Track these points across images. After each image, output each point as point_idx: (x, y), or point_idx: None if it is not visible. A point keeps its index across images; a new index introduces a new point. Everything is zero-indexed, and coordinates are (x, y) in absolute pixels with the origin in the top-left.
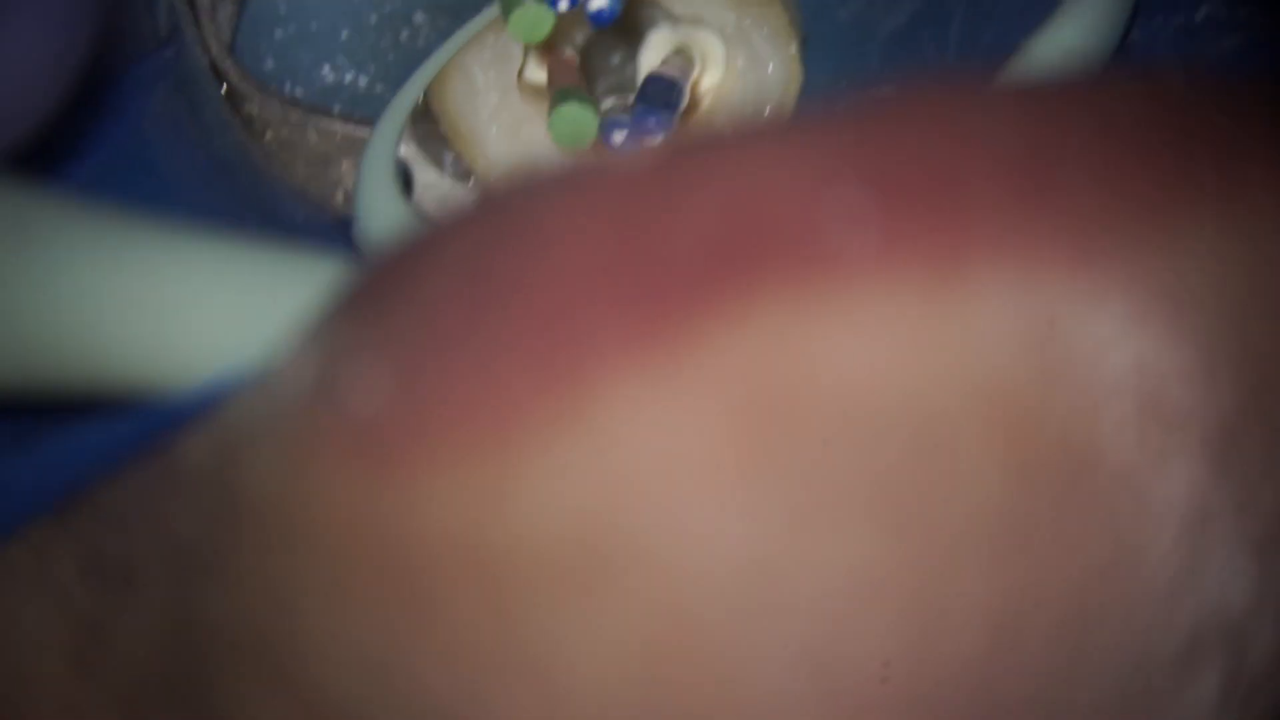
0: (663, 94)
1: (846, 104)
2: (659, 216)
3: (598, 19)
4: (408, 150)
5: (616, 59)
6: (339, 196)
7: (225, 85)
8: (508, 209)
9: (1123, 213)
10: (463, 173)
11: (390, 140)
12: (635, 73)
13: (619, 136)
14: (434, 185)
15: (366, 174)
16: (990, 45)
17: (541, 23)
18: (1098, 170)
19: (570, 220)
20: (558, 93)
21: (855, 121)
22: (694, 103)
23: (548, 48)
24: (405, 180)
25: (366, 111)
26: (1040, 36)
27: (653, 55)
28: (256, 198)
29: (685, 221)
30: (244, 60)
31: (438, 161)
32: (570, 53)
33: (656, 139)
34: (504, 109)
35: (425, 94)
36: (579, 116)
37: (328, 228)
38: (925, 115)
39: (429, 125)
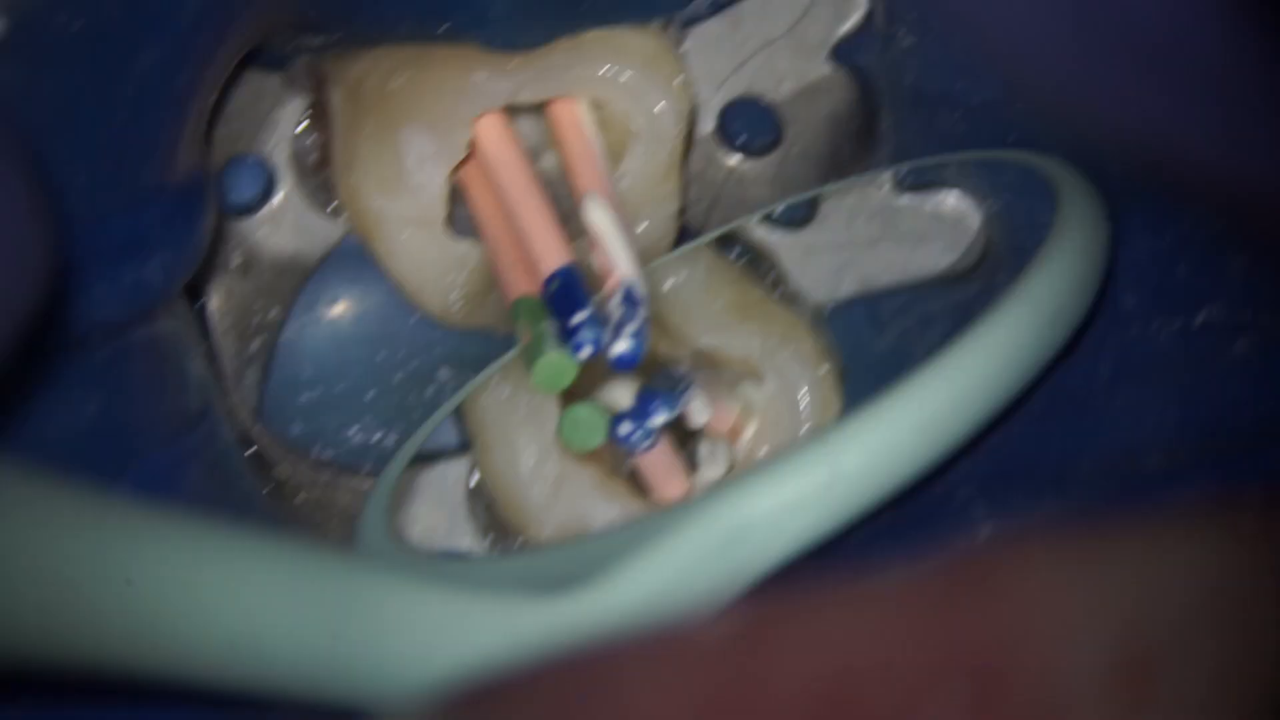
0: (666, 382)
1: (924, 562)
2: (740, 696)
3: (620, 364)
4: (474, 544)
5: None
6: None
7: (255, 450)
8: (589, 674)
9: None
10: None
11: (390, 483)
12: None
13: (625, 427)
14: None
15: (367, 515)
16: None
17: (565, 372)
18: None
19: (651, 695)
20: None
21: (939, 588)
22: (735, 433)
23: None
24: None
25: None
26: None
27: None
28: None
29: (768, 704)
30: (272, 425)
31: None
32: None
33: (658, 422)
34: (544, 465)
35: (479, 468)
36: (587, 418)
37: None
38: (1011, 587)
39: (490, 515)
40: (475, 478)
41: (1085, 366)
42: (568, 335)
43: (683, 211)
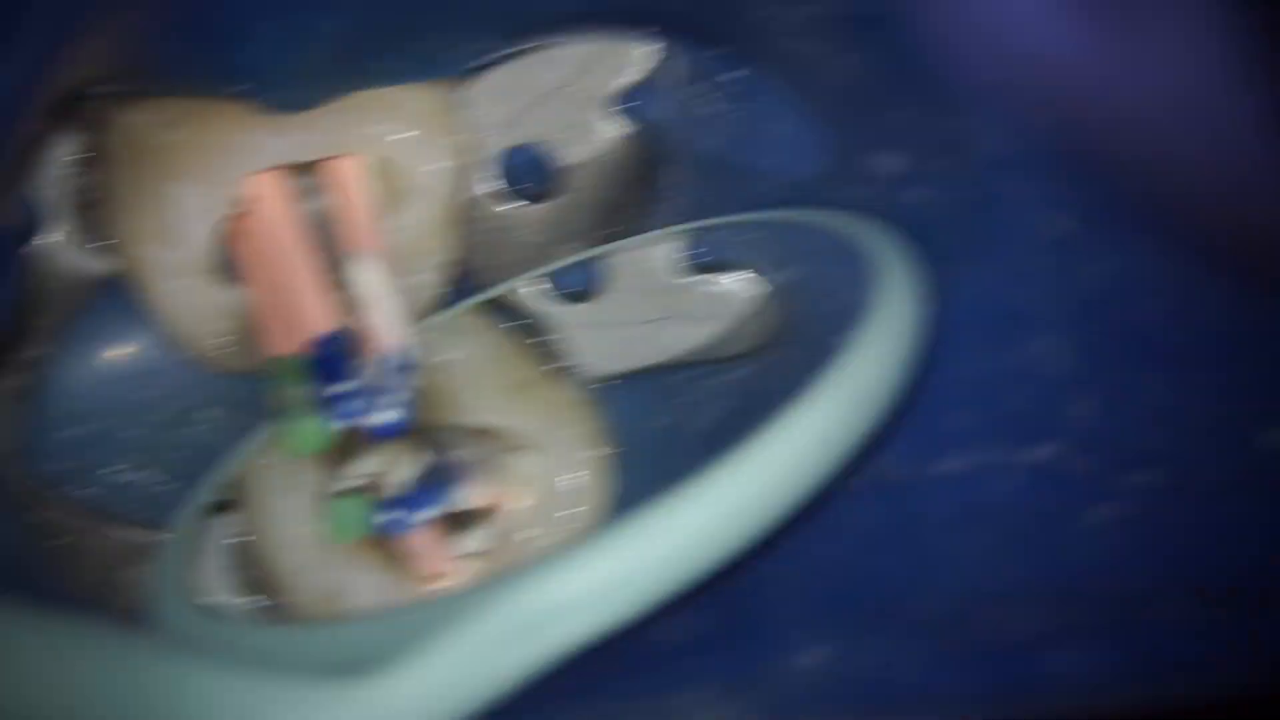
0: (435, 475)
1: None
2: None
3: (384, 432)
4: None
5: None
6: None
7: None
8: None
9: None
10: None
11: (181, 539)
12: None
13: (385, 515)
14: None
15: (157, 582)
16: None
17: (318, 438)
18: None
19: None
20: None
21: None
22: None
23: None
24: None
25: (160, 510)
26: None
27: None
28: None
29: None
30: (34, 463)
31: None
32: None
33: (425, 519)
34: (300, 530)
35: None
36: (352, 511)
37: None
38: None
39: (252, 572)
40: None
41: (921, 494)
42: (329, 403)
43: (460, 261)
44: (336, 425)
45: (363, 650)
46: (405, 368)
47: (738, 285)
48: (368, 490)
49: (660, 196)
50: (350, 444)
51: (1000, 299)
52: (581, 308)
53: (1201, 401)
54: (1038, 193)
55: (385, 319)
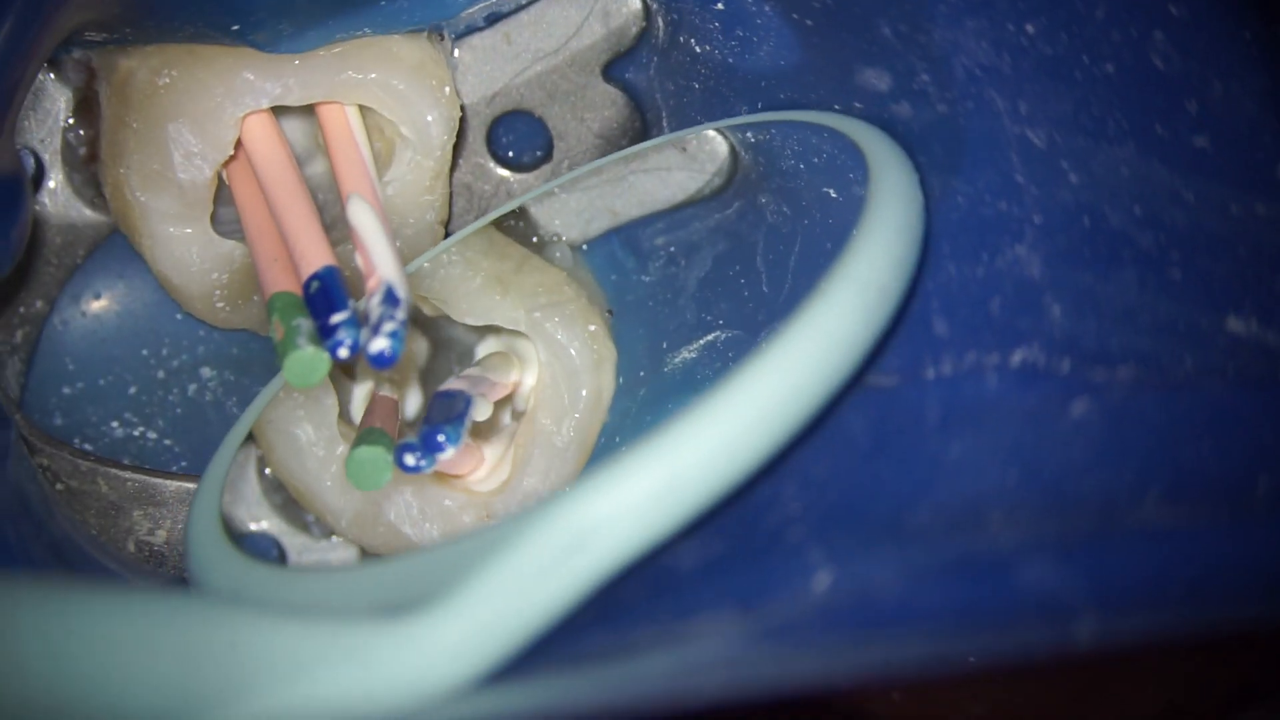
0: (445, 409)
1: None
2: None
3: (379, 362)
4: (271, 524)
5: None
6: (130, 545)
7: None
8: None
9: None
10: (327, 530)
11: (213, 502)
12: None
13: (410, 459)
14: (307, 548)
15: (195, 539)
16: (796, 268)
17: (317, 367)
18: None
19: None
20: (356, 439)
21: None
22: (515, 401)
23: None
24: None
25: (157, 465)
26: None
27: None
28: (52, 541)
29: None
30: (33, 416)
31: (303, 525)
32: (388, 391)
33: (448, 454)
34: (331, 460)
35: (268, 465)
36: (371, 459)
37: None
38: None
39: (284, 494)
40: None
41: (910, 401)
42: (326, 334)
43: (448, 222)
44: (336, 357)
45: (405, 591)
46: (397, 298)
47: (700, 140)
48: (383, 435)
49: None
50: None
51: (979, 207)
52: (542, 171)
53: (1172, 296)
54: (1015, 105)
55: (377, 252)
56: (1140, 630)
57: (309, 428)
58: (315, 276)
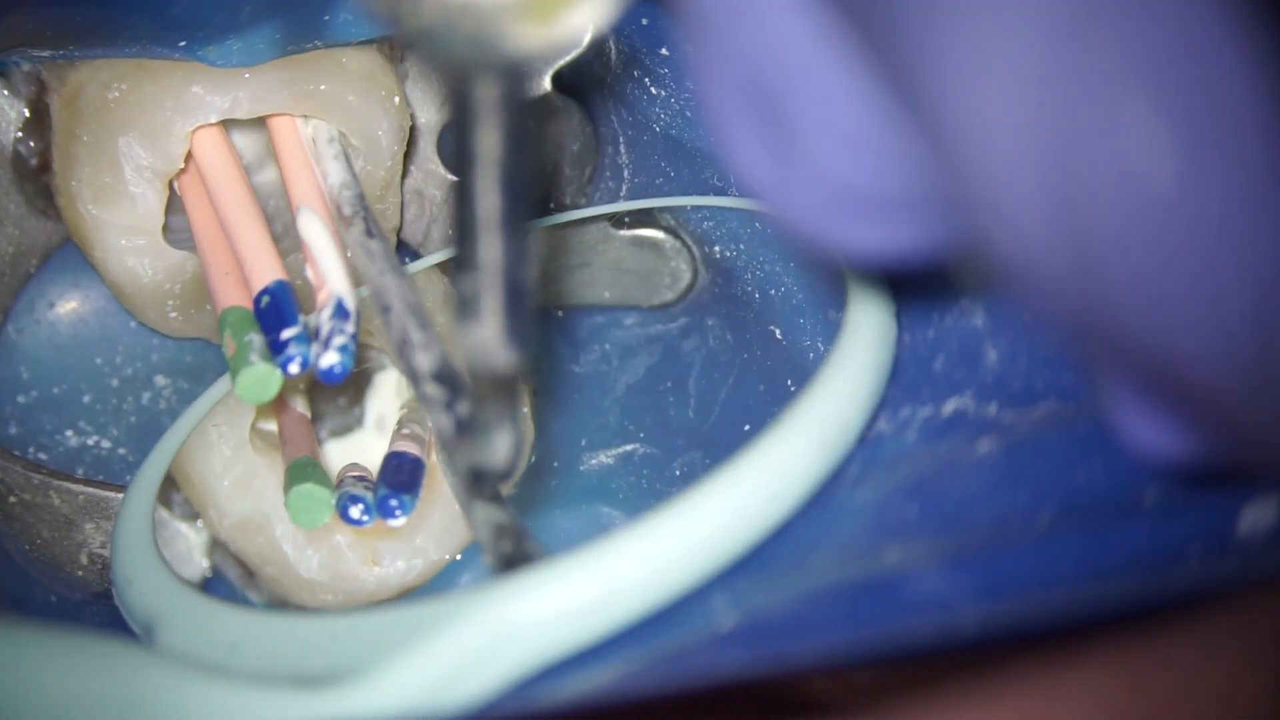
0: (405, 476)
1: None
2: None
3: (328, 377)
4: None
5: (343, 400)
6: (83, 558)
7: None
8: None
9: None
10: (190, 514)
11: (144, 508)
12: (363, 412)
13: (355, 512)
14: (162, 523)
15: (122, 543)
16: (726, 401)
17: (269, 384)
18: None
19: None
20: (291, 469)
21: None
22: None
23: (279, 403)
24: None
25: (111, 474)
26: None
27: (381, 397)
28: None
29: None
30: None
31: (166, 502)
32: (302, 408)
33: (399, 522)
34: (237, 463)
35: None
36: (315, 496)
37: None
38: None
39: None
40: None
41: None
42: (277, 350)
43: (400, 229)
44: (287, 372)
45: (324, 658)
46: (347, 312)
47: (662, 245)
48: (317, 469)
49: (605, 169)
50: (291, 383)
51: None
52: None
53: None
54: None
55: (327, 266)
56: (1024, 619)
57: (224, 426)
58: (265, 291)
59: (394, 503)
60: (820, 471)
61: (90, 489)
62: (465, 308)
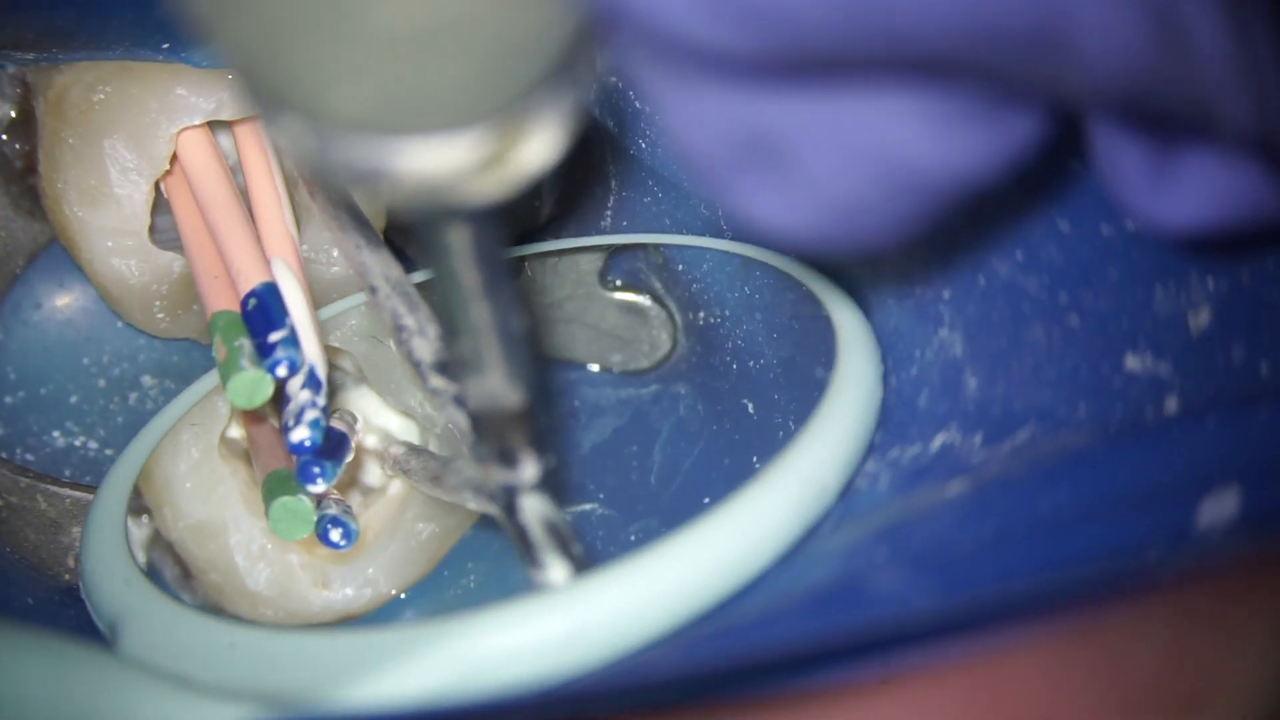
0: (330, 445)
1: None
2: None
3: (298, 450)
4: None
5: None
6: (69, 560)
7: None
8: None
9: None
10: (137, 508)
11: (117, 507)
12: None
13: (335, 535)
14: None
15: (91, 541)
16: (689, 470)
17: (260, 389)
18: None
19: None
20: (269, 481)
21: None
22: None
23: (248, 412)
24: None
25: (99, 476)
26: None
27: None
28: None
29: None
30: None
31: None
32: (271, 418)
33: (320, 488)
34: (203, 466)
35: None
36: (297, 510)
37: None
38: None
39: None
40: None
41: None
42: (264, 353)
43: (385, 230)
44: (275, 376)
45: (307, 673)
46: (318, 383)
47: (647, 311)
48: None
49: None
50: None
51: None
52: None
53: (1074, 348)
54: None
55: (300, 333)
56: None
57: (198, 427)
58: (253, 294)
59: (315, 469)
60: (797, 533)
61: (77, 492)
62: (468, 366)
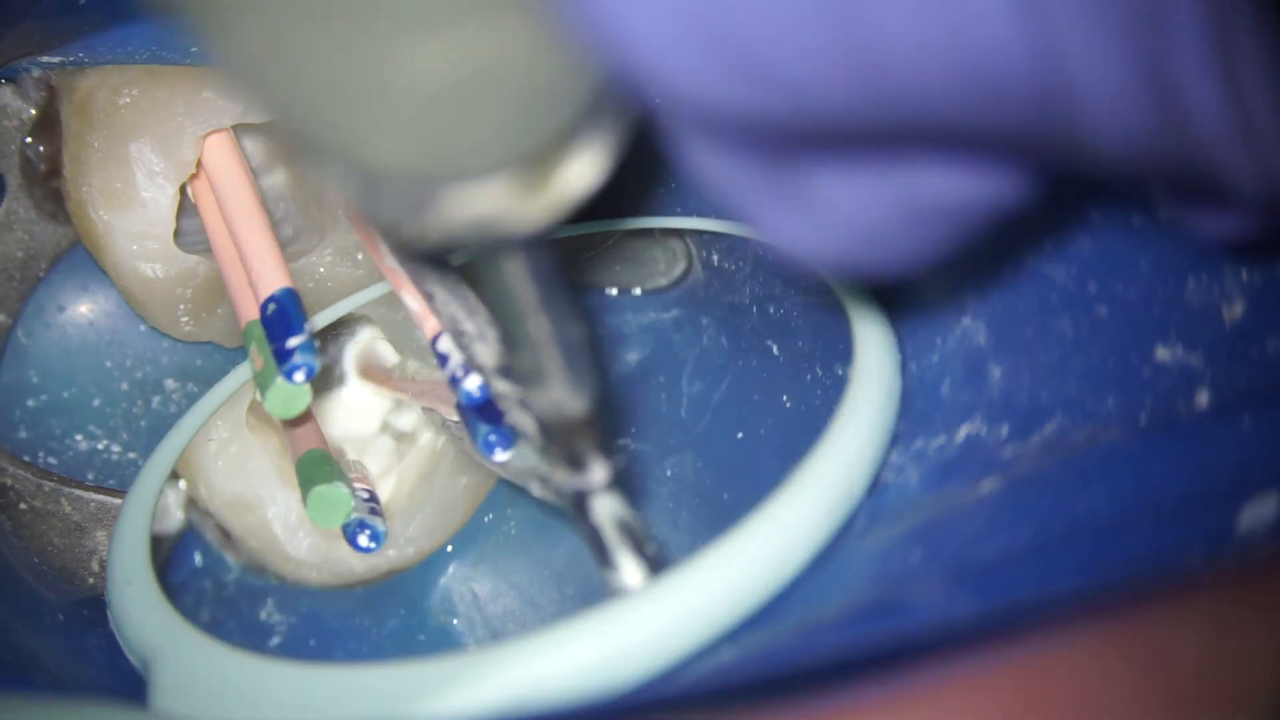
0: (491, 410)
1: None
2: None
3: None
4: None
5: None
6: (94, 564)
7: None
8: None
9: None
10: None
11: (143, 512)
12: (344, 373)
13: (364, 539)
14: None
15: (119, 545)
16: (719, 404)
17: (297, 400)
18: None
19: None
20: (303, 463)
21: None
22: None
23: None
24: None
25: (121, 479)
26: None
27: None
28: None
29: None
30: None
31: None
32: None
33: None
34: (232, 443)
35: None
36: (333, 497)
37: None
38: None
39: None
40: None
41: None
42: (283, 358)
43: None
44: (293, 382)
45: (365, 702)
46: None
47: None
48: (334, 468)
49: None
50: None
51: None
52: None
53: (1102, 339)
54: None
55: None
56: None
57: (221, 415)
58: (272, 299)
59: (493, 437)
60: (827, 534)
61: (101, 496)
62: (531, 378)
